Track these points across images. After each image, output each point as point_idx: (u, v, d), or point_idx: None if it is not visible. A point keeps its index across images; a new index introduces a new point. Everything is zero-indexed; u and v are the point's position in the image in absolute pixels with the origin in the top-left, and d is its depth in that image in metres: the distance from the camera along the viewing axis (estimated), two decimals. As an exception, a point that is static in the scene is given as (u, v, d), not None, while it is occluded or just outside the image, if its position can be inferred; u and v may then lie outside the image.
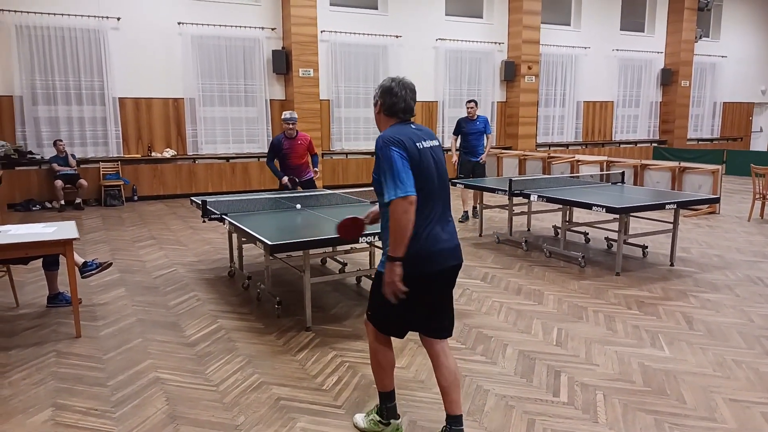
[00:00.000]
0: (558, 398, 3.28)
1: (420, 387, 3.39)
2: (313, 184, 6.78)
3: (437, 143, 2.77)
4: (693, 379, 3.51)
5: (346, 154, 12.55)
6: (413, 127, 2.72)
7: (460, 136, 8.47)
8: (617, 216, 5.77)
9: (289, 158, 6.60)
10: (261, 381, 3.49)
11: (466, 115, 8.43)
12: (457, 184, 7.56)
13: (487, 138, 8.49)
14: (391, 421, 2.87)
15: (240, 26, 11.31)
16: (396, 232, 2.49)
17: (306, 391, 3.36)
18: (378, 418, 2.89)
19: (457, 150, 8.55)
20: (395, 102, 2.69)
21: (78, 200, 9.92)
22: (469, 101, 8.41)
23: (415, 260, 2.56)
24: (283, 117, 6.53)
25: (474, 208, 8.86)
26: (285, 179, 6.62)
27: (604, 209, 5.46)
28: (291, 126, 6.48)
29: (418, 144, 2.62)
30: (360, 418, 2.99)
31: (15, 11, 9.62)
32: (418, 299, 2.64)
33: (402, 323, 2.76)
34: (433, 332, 2.76)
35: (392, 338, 2.84)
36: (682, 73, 16.51)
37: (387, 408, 2.87)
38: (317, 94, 11.65)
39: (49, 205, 9.97)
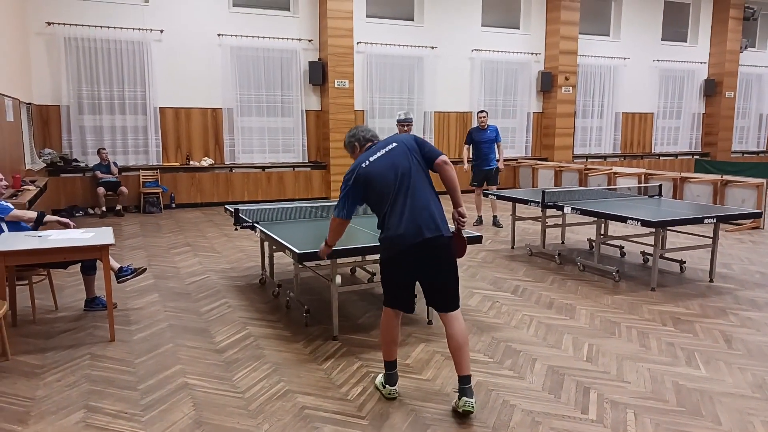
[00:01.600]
0: (586, 416, 3.20)
1: (445, 401, 3.36)
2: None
3: (395, 144, 3.31)
4: (730, 400, 3.38)
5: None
6: (372, 148, 3.38)
7: (472, 146, 8.77)
8: (653, 230, 5.63)
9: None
10: (286, 389, 3.51)
11: (478, 124, 8.75)
12: (483, 193, 7.71)
13: (499, 146, 8.78)
14: (386, 385, 3.40)
15: (278, 38, 11.52)
16: (330, 233, 3.54)
17: (330, 401, 3.37)
18: (382, 381, 3.46)
19: (469, 160, 8.87)
20: (362, 135, 3.48)
21: (118, 207, 10.21)
22: (481, 111, 8.75)
23: (384, 245, 3.30)
24: (398, 118, 6.13)
25: (494, 217, 8.98)
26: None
27: (639, 222, 5.33)
28: (406, 128, 6.12)
29: (364, 164, 3.28)
30: (380, 376, 3.54)
31: (65, 24, 10.01)
32: (399, 275, 3.28)
33: (399, 297, 3.32)
34: (434, 306, 3.34)
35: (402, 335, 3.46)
36: (726, 84, 16.06)
37: (387, 375, 3.42)
38: (352, 105, 11.75)
39: (91, 212, 10.29)
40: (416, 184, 3.24)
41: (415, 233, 3.16)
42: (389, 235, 3.23)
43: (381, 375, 3.51)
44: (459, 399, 3.19)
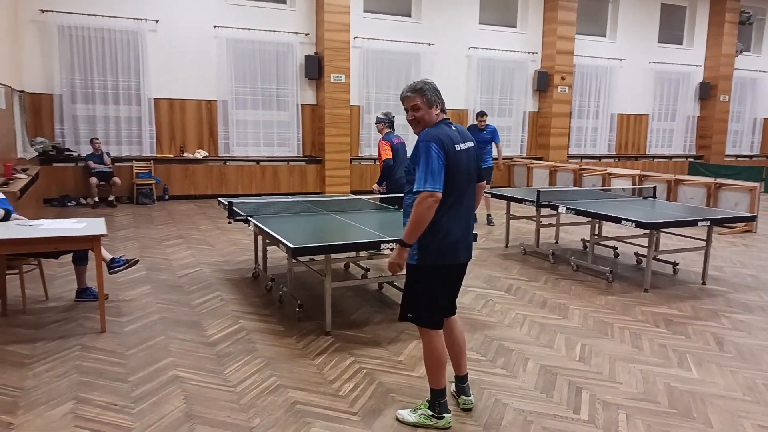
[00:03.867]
0: (578, 416, 3.20)
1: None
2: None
3: (472, 144, 3.03)
4: (721, 402, 3.39)
5: (374, 160, 12.57)
6: (453, 128, 2.98)
7: None
8: (647, 231, 5.64)
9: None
10: (278, 384, 3.49)
11: (477, 124, 8.82)
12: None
13: (497, 146, 8.89)
14: (445, 415, 3.02)
15: (274, 31, 11.45)
16: (415, 222, 2.75)
17: (322, 396, 3.35)
18: (430, 413, 3.02)
19: None
20: (443, 101, 3.02)
21: (111, 198, 10.14)
22: (483, 114, 8.81)
23: (435, 252, 2.88)
24: (384, 117, 6.29)
25: (488, 215, 9.02)
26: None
27: (634, 224, 5.34)
28: (376, 125, 6.30)
29: (456, 146, 2.88)
30: (407, 413, 3.09)
31: (58, 12, 9.90)
32: (441, 287, 2.97)
33: (440, 310, 3.01)
34: (446, 314, 3.11)
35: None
36: (721, 88, 16.12)
37: (440, 404, 3.01)
38: (348, 100, 11.71)
39: (83, 202, 10.21)
40: (472, 195, 3.03)
41: (465, 247, 3.00)
42: (444, 240, 2.87)
43: (413, 412, 3.06)
44: (459, 397, 3.25)
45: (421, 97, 2.96)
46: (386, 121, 6.24)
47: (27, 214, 6.23)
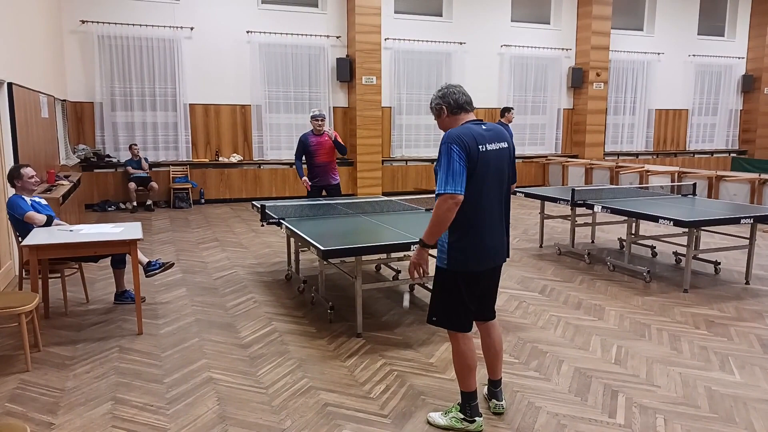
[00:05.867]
0: (614, 419, 3.12)
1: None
2: (338, 190, 6.67)
3: (505, 145, 2.90)
4: (765, 407, 3.27)
5: (406, 161, 12.56)
6: (483, 128, 2.85)
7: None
8: (686, 230, 5.48)
9: (315, 156, 6.56)
10: (310, 385, 3.51)
11: (502, 120, 8.64)
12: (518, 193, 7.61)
13: None
14: (476, 418, 2.99)
15: (306, 34, 11.55)
16: (435, 224, 2.71)
17: (353, 398, 3.36)
18: (462, 416, 3.00)
19: None
20: (457, 97, 2.88)
21: (149, 202, 10.38)
22: (511, 109, 8.69)
23: (465, 258, 2.81)
24: (311, 114, 6.61)
25: None
26: (304, 179, 6.62)
27: (671, 222, 5.19)
28: (320, 122, 6.52)
29: (481, 146, 2.75)
30: (438, 416, 3.06)
31: (98, 22, 10.20)
32: (470, 292, 2.89)
33: (469, 314, 2.93)
34: (479, 317, 3.09)
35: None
36: (765, 80, 15.56)
37: (471, 407, 2.98)
38: (379, 102, 11.73)
39: (123, 206, 10.49)
40: (506, 197, 2.93)
41: (497, 251, 2.92)
42: (477, 245, 2.80)
43: (444, 416, 3.05)
44: (490, 401, 3.21)
45: (432, 111, 3.00)
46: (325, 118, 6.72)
47: (69, 219, 6.45)
